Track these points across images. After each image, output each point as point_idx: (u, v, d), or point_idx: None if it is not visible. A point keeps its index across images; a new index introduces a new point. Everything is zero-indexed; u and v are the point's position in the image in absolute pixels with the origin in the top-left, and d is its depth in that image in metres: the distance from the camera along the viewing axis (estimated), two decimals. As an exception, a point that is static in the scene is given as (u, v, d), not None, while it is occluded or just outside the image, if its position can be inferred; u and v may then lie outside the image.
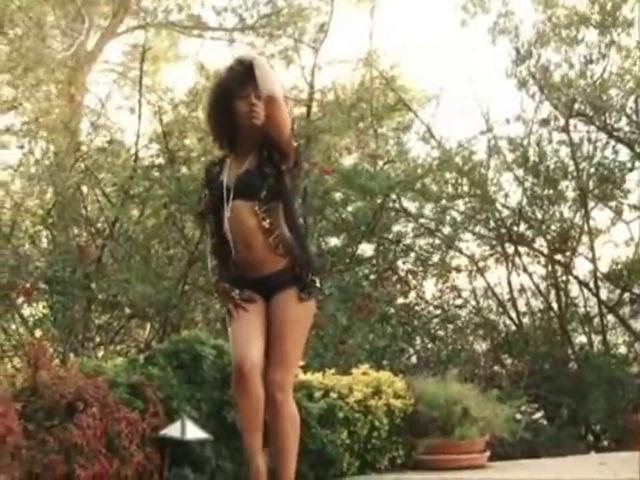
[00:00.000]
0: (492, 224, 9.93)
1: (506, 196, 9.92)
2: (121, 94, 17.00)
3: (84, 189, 9.47)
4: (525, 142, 9.86)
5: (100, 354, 8.60)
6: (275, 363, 3.79)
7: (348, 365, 7.54)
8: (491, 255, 10.06)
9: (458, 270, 10.07)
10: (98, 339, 8.93)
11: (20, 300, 8.41)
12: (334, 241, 10.38)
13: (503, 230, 9.82)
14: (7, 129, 13.45)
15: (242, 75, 3.90)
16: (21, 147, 10.18)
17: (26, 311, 8.76)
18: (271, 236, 3.77)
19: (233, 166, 3.91)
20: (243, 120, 3.87)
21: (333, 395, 6.28)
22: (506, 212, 9.88)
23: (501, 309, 10.00)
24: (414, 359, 9.74)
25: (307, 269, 3.83)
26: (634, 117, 9.77)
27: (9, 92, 13.79)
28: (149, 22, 15.96)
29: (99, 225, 9.21)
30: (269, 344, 3.82)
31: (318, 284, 3.89)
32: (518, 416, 7.55)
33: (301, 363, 6.04)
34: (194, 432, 4.99)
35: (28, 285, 8.28)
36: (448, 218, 10.00)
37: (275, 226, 3.78)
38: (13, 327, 9.04)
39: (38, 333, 8.52)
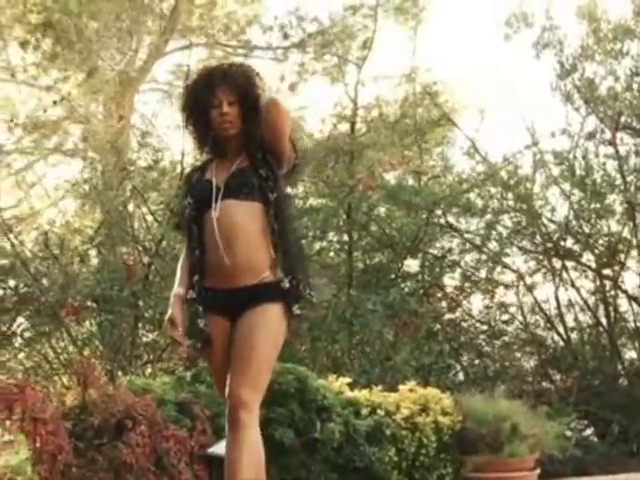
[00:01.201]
0: (539, 239, 9.83)
1: (552, 210, 9.83)
2: (169, 112, 17.18)
3: (131, 207, 9.55)
4: (571, 156, 9.76)
5: (147, 372, 8.63)
6: (242, 375, 3.38)
7: (395, 382, 7.50)
8: (538, 270, 9.96)
9: (505, 286, 9.98)
10: (145, 357, 8.97)
11: (69, 318, 8.48)
12: (379, 257, 10.35)
13: (550, 245, 9.71)
14: (56, 148, 13.65)
15: (212, 81, 3.68)
16: (70, 166, 10.29)
17: (75, 329, 8.84)
18: (261, 240, 3.47)
19: (220, 167, 3.67)
20: (217, 130, 3.68)
21: (380, 412, 6.25)
22: (553, 226, 9.78)
23: (549, 324, 9.88)
24: (461, 376, 9.66)
25: (305, 281, 3.51)
26: (682, 129, 9.64)
27: (60, 111, 13.98)
28: (195, 42, 16.09)
29: (146, 243, 9.26)
30: (235, 354, 3.43)
31: (314, 300, 3.53)
32: (568, 433, 7.45)
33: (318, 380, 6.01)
34: (241, 450, 4.97)
35: (77, 303, 8.35)
36: (494, 233, 9.92)
37: (269, 229, 3.50)
38: (62, 345, 9.12)
39: (86, 351, 8.60)
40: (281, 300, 3.48)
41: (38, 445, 4.25)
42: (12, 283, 8.95)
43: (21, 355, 9.59)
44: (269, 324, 3.45)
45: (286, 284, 3.48)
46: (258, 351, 3.40)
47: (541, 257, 9.93)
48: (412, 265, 10.21)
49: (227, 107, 3.63)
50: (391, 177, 10.53)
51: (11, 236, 9.01)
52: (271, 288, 3.48)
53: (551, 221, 9.82)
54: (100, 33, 12.83)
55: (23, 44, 12.76)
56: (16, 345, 9.47)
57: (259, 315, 3.44)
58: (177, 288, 3.65)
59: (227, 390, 3.38)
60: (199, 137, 3.80)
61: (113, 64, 13.98)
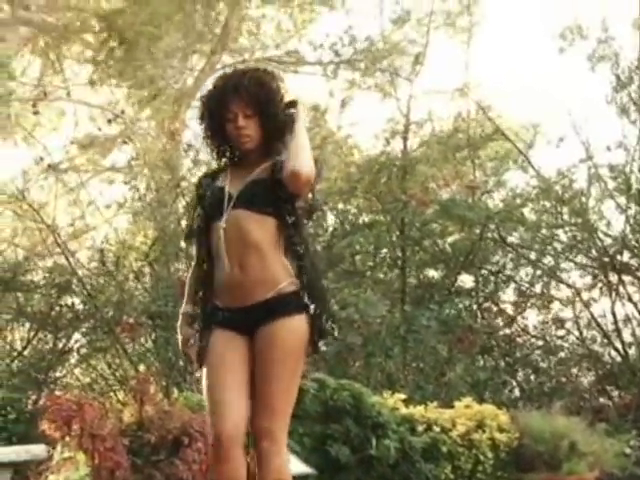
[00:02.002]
0: (594, 253, 9.71)
1: (608, 224, 9.71)
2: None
3: (184, 224, 9.62)
4: (627, 169, 9.63)
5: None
6: (263, 408, 3.21)
7: (449, 398, 7.45)
8: (594, 285, 9.83)
9: (561, 301, 9.87)
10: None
11: (124, 335, 8.55)
12: (433, 272, 10.31)
13: (606, 259, 9.57)
14: (112, 166, 13.82)
15: (225, 94, 3.42)
16: (126, 183, 10.40)
17: (130, 346, 8.92)
18: (274, 252, 3.24)
19: (236, 176, 3.43)
20: (235, 144, 3.44)
21: (436, 429, 6.20)
22: (609, 240, 9.65)
23: (606, 340, 9.73)
24: (517, 392, 9.57)
25: (328, 313, 3.29)
26: None
27: (114, 129, 14.15)
28: (246, 59, 16.20)
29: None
30: (255, 385, 3.25)
31: (336, 333, 3.33)
32: (627, 450, 7.31)
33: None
34: (298, 466, 4.93)
35: (132, 320, 8.43)
36: (549, 248, 9.82)
37: (282, 243, 3.28)
38: (117, 362, 9.20)
39: (142, 367, 8.66)
40: (302, 311, 3.25)
41: (97, 462, 4.28)
42: (69, 300, 9.08)
43: (77, 371, 9.71)
44: (288, 351, 3.24)
45: (305, 299, 3.27)
46: (278, 386, 3.23)
47: (597, 272, 9.79)
48: (466, 280, 10.15)
49: (243, 120, 3.39)
50: (444, 192, 10.49)
51: (68, 253, 9.13)
52: (289, 299, 3.26)
53: (607, 235, 9.69)
54: (165, 53, 12.96)
55: (93, 58, 12.92)
56: (72, 362, 9.59)
57: (277, 340, 3.20)
58: (185, 306, 3.48)
59: (250, 419, 3.20)
60: (217, 151, 3.57)
61: (172, 83, 14.13)
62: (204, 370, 3.31)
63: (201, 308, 3.42)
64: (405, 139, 10.56)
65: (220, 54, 16.53)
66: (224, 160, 3.58)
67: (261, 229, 3.31)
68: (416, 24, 13.89)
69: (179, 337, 3.46)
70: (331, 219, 10.53)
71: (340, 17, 17.13)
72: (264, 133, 3.41)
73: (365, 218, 10.49)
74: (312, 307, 3.29)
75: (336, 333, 3.38)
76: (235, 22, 15.00)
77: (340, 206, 10.66)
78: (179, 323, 3.47)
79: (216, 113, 3.46)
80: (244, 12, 15.32)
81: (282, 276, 3.28)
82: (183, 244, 9.23)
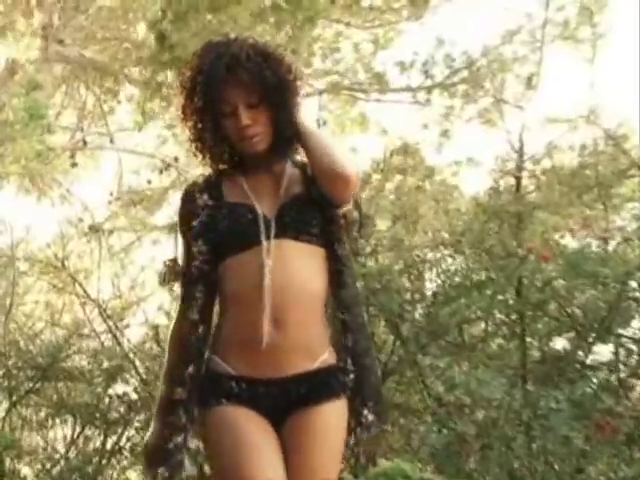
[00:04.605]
0: None
1: None
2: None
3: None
4: None
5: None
6: None
7: (589, 500, 7.39)
8: None
9: None
10: None
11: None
12: (560, 343, 10.24)
13: None
14: (165, 225, 14.12)
15: (218, 76, 2.97)
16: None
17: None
18: (321, 301, 2.95)
19: (255, 188, 3.08)
20: (238, 146, 3.11)
21: (575, 540, 6.16)
22: None
23: None
24: (674, 490, 9.41)
25: (381, 407, 3.08)
26: None
27: (167, 179, 14.47)
28: (316, 85, 16.46)
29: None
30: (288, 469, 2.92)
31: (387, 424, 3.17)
32: None
33: None
34: None
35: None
36: None
37: (332, 296, 3.02)
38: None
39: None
40: (344, 394, 3.04)
41: None
42: (119, 389, 9.26)
43: (131, 474, 9.86)
44: (331, 442, 3.02)
45: (350, 377, 3.00)
46: (323, 456, 3.00)
47: None
48: (603, 351, 10.05)
49: (247, 114, 3.01)
50: (570, 243, 10.45)
51: (117, 332, 9.34)
52: (332, 376, 3.03)
53: None
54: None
55: (140, 98, 13.25)
56: (125, 463, 9.74)
57: (318, 430, 2.98)
58: (174, 388, 3.02)
59: None
60: (210, 154, 3.19)
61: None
62: (210, 443, 3.00)
63: (197, 385, 3.06)
64: (518, 179, 10.57)
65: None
66: (222, 163, 3.23)
67: (312, 267, 2.98)
68: (528, 37, 13.96)
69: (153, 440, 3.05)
70: (431, 279, 10.56)
71: (431, 31, 17.26)
72: (277, 125, 3.06)
73: (473, 278, 10.50)
74: (354, 384, 2.99)
75: (387, 425, 3.16)
76: (307, 44, 15.28)
77: (442, 264, 10.70)
78: (161, 424, 3.04)
79: (207, 106, 3.03)
80: (317, 32, 15.61)
81: (325, 338, 3.00)
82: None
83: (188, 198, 3.15)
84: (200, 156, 3.19)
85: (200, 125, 3.08)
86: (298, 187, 3.08)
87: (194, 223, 3.07)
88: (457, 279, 10.42)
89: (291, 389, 2.94)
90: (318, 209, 3.03)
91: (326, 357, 3.03)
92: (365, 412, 3.04)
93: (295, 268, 2.91)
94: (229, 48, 3.01)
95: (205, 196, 3.07)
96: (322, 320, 3.01)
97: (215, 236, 3.00)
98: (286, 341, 2.89)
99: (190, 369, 3.03)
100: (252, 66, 2.96)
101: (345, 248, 3.07)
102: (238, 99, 2.98)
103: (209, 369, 3.06)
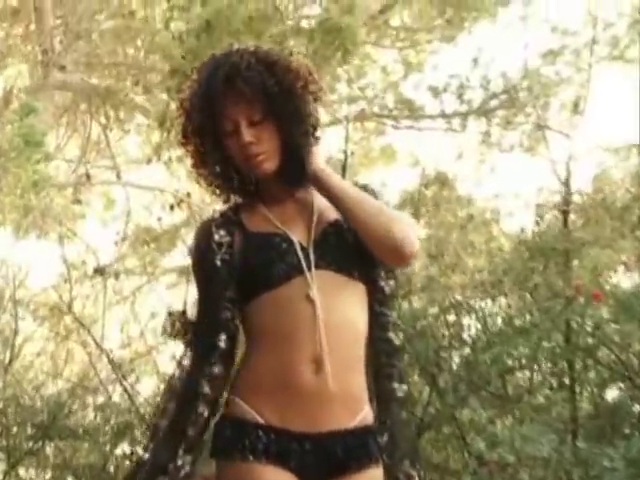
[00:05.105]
0: None
1: None
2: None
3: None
4: None
5: None
6: None
7: None
8: None
9: None
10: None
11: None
12: (613, 393, 10.19)
13: None
14: (177, 268, 14.15)
15: (216, 93, 2.87)
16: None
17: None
18: (363, 347, 2.80)
19: (281, 216, 2.94)
20: (243, 169, 2.97)
21: None
22: None
23: None
24: None
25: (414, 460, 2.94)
26: None
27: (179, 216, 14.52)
28: (346, 116, 16.51)
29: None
30: None
31: None
32: None
33: None
34: None
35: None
36: None
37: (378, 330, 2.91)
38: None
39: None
40: (381, 458, 2.88)
41: None
42: (128, 448, 9.24)
43: None
44: None
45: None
46: None
47: None
48: (664, 403, 10.00)
49: (249, 131, 2.87)
50: (623, 282, 10.43)
51: (126, 385, 9.33)
52: (371, 437, 2.87)
53: None
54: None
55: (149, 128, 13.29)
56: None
57: None
58: (179, 454, 2.85)
59: None
60: (217, 181, 3.09)
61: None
62: None
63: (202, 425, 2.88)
64: (565, 213, 10.57)
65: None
66: (233, 196, 3.12)
67: (356, 303, 2.85)
68: (573, 57, 13.97)
69: None
70: (471, 324, 10.54)
71: (466, 52, 17.29)
72: (285, 141, 2.92)
73: (516, 322, 10.48)
74: (388, 441, 2.86)
75: None
76: (330, 70, 15.35)
77: (482, 306, 10.68)
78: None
79: (207, 125, 2.95)
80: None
81: (365, 391, 2.85)
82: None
83: (204, 234, 3.01)
84: (205, 184, 3.09)
85: (202, 147, 3.00)
86: (333, 213, 2.95)
87: (216, 262, 2.93)
88: (498, 323, 10.40)
89: (326, 449, 2.74)
90: (354, 236, 2.88)
91: (365, 414, 2.84)
92: (401, 476, 2.88)
93: (339, 303, 2.78)
94: (228, 58, 2.91)
95: (222, 231, 2.95)
96: (363, 368, 2.84)
97: (245, 273, 2.88)
98: (327, 389, 2.70)
99: (190, 431, 2.86)
100: (253, 75, 2.83)
101: (391, 285, 2.97)
102: (239, 115, 2.85)
103: (229, 414, 2.87)
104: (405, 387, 2.89)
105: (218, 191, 3.07)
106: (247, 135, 2.82)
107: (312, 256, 2.79)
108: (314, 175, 2.93)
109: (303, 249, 2.83)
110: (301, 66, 2.92)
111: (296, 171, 2.88)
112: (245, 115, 2.82)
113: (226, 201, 3.08)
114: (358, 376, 2.78)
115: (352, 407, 2.75)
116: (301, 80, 2.90)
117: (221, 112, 2.84)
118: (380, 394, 2.83)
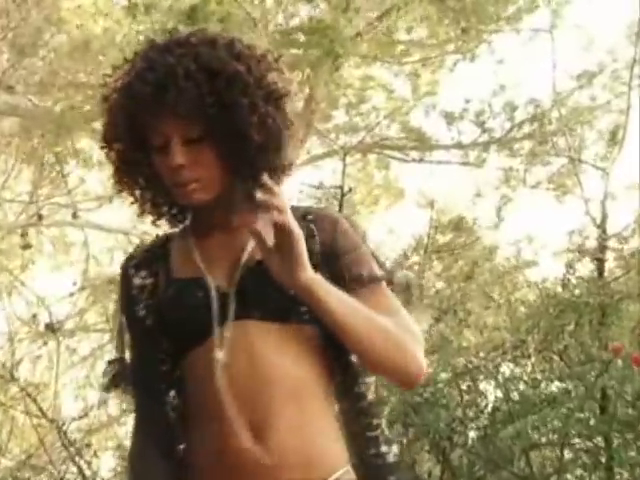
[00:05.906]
0: None
1: None
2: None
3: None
4: None
5: None
6: None
7: None
8: None
9: None
10: None
11: None
12: (658, 474, 10.14)
13: None
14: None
15: (145, 93, 2.50)
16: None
17: None
18: (320, 403, 2.58)
19: (207, 252, 2.69)
20: (171, 193, 2.65)
21: None
22: None
23: None
24: None
25: None
26: None
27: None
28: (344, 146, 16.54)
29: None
30: None
31: None
32: None
33: None
34: None
35: None
36: None
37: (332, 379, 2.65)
38: None
39: None
40: None
41: None
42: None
43: None
44: None
45: None
46: None
47: None
48: None
49: (182, 151, 2.55)
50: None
51: (81, 463, 9.30)
52: None
53: None
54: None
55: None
56: None
57: None
58: None
59: None
60: (141, 203, 2.78)
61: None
62: None
63: None
64: (601, 261, 10.55)
65: (304, 139, 16.91)
66: (163, 218, 2.86)
67: (288, 354, 2.59)
68: (611, 80, 13.96)
69: None
70: (489, 391, 10.48)
71: (487, 72, 17.31)
72: (229, 167, 2.60)
73: (543, 389, 10.45)
74: None
75: None
76: (325, 90, 15.35)
77: (504, 370, 10.64)
78: None
79: (131, 135, 2.64)
80: (339, 74, 15.62)
81: (337, 453, 2.62)
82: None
83: (122, 277, 2.79)
84: (130, 198, 2.79)
85: (124, 157, 2.68)
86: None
87: (139, 312, 2.71)
88: (522, 391, 10.33)
89: None
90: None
91: (342, 473, 2.57)
92: None
93: (268, 355, 2.54)
94: (164, 57, 2.54)
95: (144, 272, 2.72)
96: (328, 418, 2.63)
97: (163, 329, 2.65)
98: (270, 457, 2.47)
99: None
100: (189, 88, 2.48)
101: None
102: (172, 129, 2.53)
103: None
104: (395, 450, 2.70)
105: (144, 210, 2.81)
106: (178, 156, 2.52)
107: (232, 303, 2.55)
108: (300, 287, 2.57)
109: (224, 295, 2.58)
110: (266, 70, 2.62)
111: (240, 203, 2.51)
112: (179, 130, 2.52)
113: (154, 222, 2.85)
114: (317, 429, 2.57)
115: (316, 468, 2.52)
116: (263, 89, 2.58)
117: (149, 123, 2.56)
118: (365, 461, 2.63)
